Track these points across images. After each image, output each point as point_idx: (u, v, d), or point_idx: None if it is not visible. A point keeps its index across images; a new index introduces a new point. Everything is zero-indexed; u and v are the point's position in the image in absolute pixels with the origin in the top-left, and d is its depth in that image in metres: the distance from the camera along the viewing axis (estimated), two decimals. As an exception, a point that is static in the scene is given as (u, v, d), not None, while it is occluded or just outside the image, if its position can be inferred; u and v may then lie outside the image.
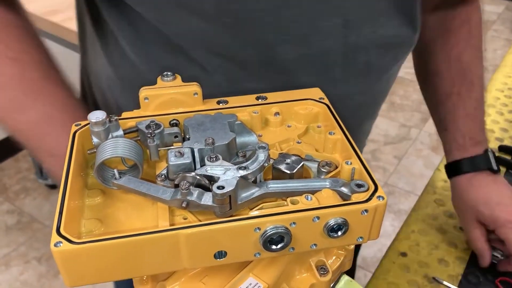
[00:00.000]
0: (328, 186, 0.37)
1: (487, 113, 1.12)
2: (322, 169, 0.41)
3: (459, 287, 0.76)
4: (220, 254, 0.35)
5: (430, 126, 2.35)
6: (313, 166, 0.42)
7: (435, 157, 2.15)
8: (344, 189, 0.37)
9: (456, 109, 0.78)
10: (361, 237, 0.37)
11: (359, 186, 0.37)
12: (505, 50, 2.86)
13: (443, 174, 0.97)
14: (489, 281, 0.76)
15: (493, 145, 1.02)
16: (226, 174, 0.37)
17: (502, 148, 1.00)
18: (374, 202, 0.35)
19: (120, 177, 0.38)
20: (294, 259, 0.41)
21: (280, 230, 0.34)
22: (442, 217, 0.89)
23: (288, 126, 0.46)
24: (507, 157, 0.98)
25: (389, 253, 0.82)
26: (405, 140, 2.27)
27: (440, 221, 0.88)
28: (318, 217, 0.34)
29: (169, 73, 0.45)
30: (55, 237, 0.33)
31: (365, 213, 0.35)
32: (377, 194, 0.36)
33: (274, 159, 0.41)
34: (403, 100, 2.52)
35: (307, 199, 0.36)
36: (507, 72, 1.27)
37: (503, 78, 1.25)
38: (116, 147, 0.39)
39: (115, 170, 0.38)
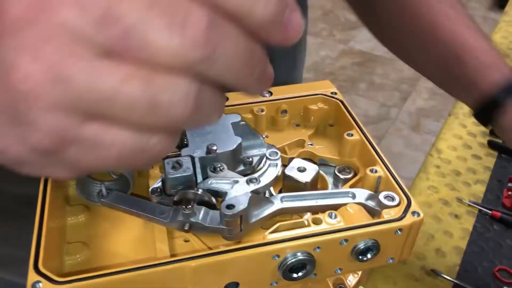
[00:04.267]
0: (351, 199, 0.32)
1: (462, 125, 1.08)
2: (340, 176, 0.36)
3: (457, 279, 0.74)
4: (231, 285, 0.30)
5: (410, 105, 2.33)
6: (329, 172, 0.37)
7: (415, 136, 2.14)
8: (372, 203, 0.32)
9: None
10: (391, 258, 0.32)
11: (389, 199, 0.32)
12: (482, 28, 2.86)
13: (435, 160, 0.94)
14: (487, 270, 0.74)
15: (484, 128, 1.00)
16: (234, 189, 0.31)
17: (493, 132, 0.98)
18: (409, 219, 0.30)
19: (108, 193, 0.32)
20: (310, 279, 0.36)
21: (302, 257, 0.29)
22: (437, 205, 0.85)
23: (297, 125, 0.41)
24: (499, 140, 0.96)
25: (385, 246, 0.78)
26: (385, 119, 2.24)
27: (435, 209, 0.85)
28: (346, 240, 0.29)
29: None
30: (32, 276, 0.27)
31: (399, 233, 0.30)
32: (411, 209, 0.31)
33: (285, 166, 0.36)
34: (383, 79, 2.49)
35: (331, 218, 0.31)
36: (494, 52, 1.24)
37: (491, 58, 1.22)
38: (101, 158, 0.32)
39: (102, 185, 0.32)
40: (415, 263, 0.76)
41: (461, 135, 0.99)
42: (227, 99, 0.33)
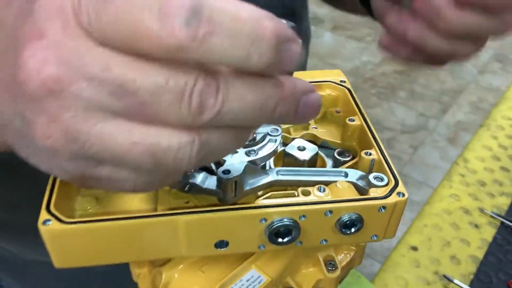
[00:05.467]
0: (343, 178, 0.34)
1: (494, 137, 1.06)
2: (339, 158, 0.38)
3: (470, 286, 0.73)
4: (222, 244, 0.32)
5: (449, 117, 2.29)
6: (329, 154, 0.39)
7: (451, 149, 2.10)
8: (362, 182, 0.34)
9: None
10: (375, 235, 0.33)
11: (378, 179, 0.33)
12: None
13: (460, 168, 0.93)
14: (502, 282, 0.73)
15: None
16: (233, 158, 0.34)
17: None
18: (394, 198, 0.32)
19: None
20: (300, 252, 0.38)
21: (288, 223, 0.31)
22: (457, 213, 0.85)
23: (304, 109, 0.43)
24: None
25: (399, 246, 0.79)
26: (422, 130, 2.21)
27: (454, 217, 0.85)
28: (331, 212, 0.31)
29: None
30: (44, 214, 0.30)
31: (383, 210, 0.32)
32: (397, 190, 0.32)
33: (287, 144, 0.38)
34: (424, 89, 2.45)
35: (320, 191, 0.33)
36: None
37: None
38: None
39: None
40: (429, 267, 0.76)
41: (491, 147, 0.98)
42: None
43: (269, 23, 0.21)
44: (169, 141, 0.22)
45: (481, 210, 0.85)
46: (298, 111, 0.24)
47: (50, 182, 0.33)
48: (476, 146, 0.98)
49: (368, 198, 0.32)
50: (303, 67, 0.68)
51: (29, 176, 0.36)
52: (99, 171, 0.24)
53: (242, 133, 0.24)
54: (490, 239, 0.80)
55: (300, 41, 0.24)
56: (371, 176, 0.34)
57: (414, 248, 0.79)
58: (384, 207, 0.32)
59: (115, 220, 0.30)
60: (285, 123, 0.27)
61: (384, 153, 0.35)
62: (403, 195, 0.32)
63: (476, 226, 0.82)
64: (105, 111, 0.21)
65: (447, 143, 2.13)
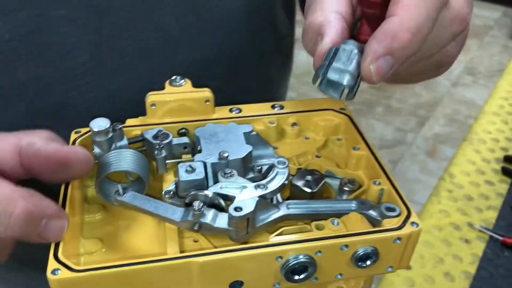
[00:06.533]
0: (354, 209, 0.34)
1: (491, 122, 1.09)
2: (345, 188, 0.38)
3: (465, 304, 0.74)
4: (236, 284, 0.31)
5: (427, 130, 2.33)
6: (334, 183, 0.39)
7: (431, 162, 2.13)
8: (373, 213, 0.33)
9: None
10: (390, 267, 0.33)
11: (390, 210, 0.33)
12: (502, 56, 2.85)
13: (447, 184, 0.94)
14: (495, 297, 0.74)
15: (499, 154, 1.00)
16: (243, 193, 0.33)
17: (507, 158, 0.98)
18: (408, 229, 0.32)
19: (124, 193, 0.34)
20: (312, 285, 0.37)
21: (304, 260, 0.30)
22: (447, 229, 0.86)
23: (306, 138, 0.43)
24: (512, 167, 0.96)
25: (393, 266, 0.79)
26: (401, 144, 2.24)
27: (445, 233, 0.85)
28: (346, 246, 0.31)
29: (178, 77, 0.41)
30: (52, 263, 0.29)
31: (398, 242, 0.31)
32: (410, 220, 0.32)
33: (292, 175, 0.38)
34: (400, 104, 2.49)
35: (334, 224, 0.32)
36: (510, 80, 1.25)
37: (508, 86, 1.23)
38: (120, 160, 0.35)
39: (119, 185, 0.34)
40: (423, 285, 0.77)
41: (474, 161, 0.99)
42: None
43: (21, 203, 0.29)
44: None
45: (470, 225, 0.86)
46: (39, 229, 0.30)
47: None
48: (460, 160, 1.00)
49: (383, 230, 0.32)
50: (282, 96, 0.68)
51: None
52: None
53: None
54: (480, 253, 0.81)
55: (65, 216, 0.32)
56: (382, 207, 0.33)
57: (408, 267, 0.79)
58: (399, 238, 0.31)
59: (126, 266, 0.29)
60: (29, 240, 0.31)
61: (393, 183, 0.35)
62: (417, 225, 0.32)
63: (467, 241, 0.83)
64: None
65: (426, 156, 2.17)
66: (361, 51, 0.31)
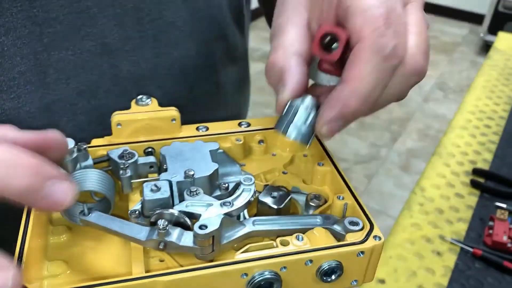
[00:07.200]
0: (319, 224, 0.34)
1: (460, 136, 1.12)
2: (311, 203, 0.38)
3: (438, 316, 0.74)
4: (201, 303, 0.31)
5: (400, 145, 2.37)
6: (301, 199, 0.39)
7: (405, 176, 2.17)
8: (337, 227, 0.34)
9: None
10: (355, 280, 0.34)
11: (353, 224, 0.34)
12: (470, 72, 2.94)
13: (418, 197, 0.96)
14: (468, 309, 0.75)
15: (467, 167, 1.02)
16: (209, 211, 0.33)
17: (476, 171, 1.00)
18: (371, 242, 0.32)
19: (89, 213, 0.34)
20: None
21: (269, 276, 0.31)
22: (419, 242, 0.87)
23: (273, 155, 0.43)
24: (481, 180, 0.98)
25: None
26: (375, 159, 2.27)
27: (417, 246, 0.86)
28: (311, 261, 0.31)
29: (144, 96, 0.41)
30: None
31: (361, 255, 0.32)
32: (373, 233, 0.33)
33: (259, 192, 0.38)
34: (373, 120, 2.54)
35: (298, 240, 0.33)
36: (477, 95, 1.29)
37: (475, 100, 1.26)
38: (85, 180, 0.35)
39: (84, 205, 0.34)
40: (397, 299, 0.77)
41: (444, 174, 1.01)
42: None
43: (29, 157, 0.28)
44: None
45: (442, 237, 0.87)
46: (45, 189, 0.28)
47: (17, 246, 0.31)
48: (430, 174, 1.02)
49: (346, 244, 0.32)
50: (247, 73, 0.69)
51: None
52: None
53: None
54: (452, 265, 0.82)
55: (73, 182, 0.30)
56: (346, 221, 0.34)
57: (382, 281, 0.80)
58: (362, 252, 0.32)
59: (91, 287, 0.29)
60: (34, 204, 0.29)
61: (356, 197, 0.36)
62: (380, 238, 0.32)
63: (439, 253, 0.84)
64: None
65: (400, 171, 2.20)
66: (318, 107, 0.35)
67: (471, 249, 0.82)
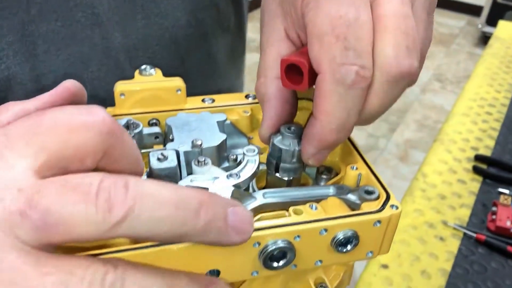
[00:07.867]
0: (332, 194, 0.33)
1: (461, 122, 1.11)
2: (321, 176, 0.37)
3: (442, 301, 0.74)
4: (212, 273, 0.30)
5: (398, 136, 2.36)
6: (311, 172, 0.38)
7: (403, 167, 2.16)
8: (352, 197, 0.33)
9: None
10: (371, 252, 0.32)
11: (369, 192, 0.32)
12: (468, 63, 2.93)
13: (420, 183, 0.95)
14: (472, 294, 0.74)
15: (469, 154, 1.02)
16: (215, 184, 0.32)
17: (477, 158, 0.99)
18: (388, 212, 0.31)
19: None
20: (290, 277, 0.36)
21: (282, 245, 0.29)
22: (422, 227, 0.86)
23: (281, 128, 0.42)
24: (483, 166, 0.97)
25: (370, 266, 0.78)
26: (373, 150, 2.27)
27: (420, 232, 0.85)
28: (326, 230, 0.30)
29: (148, 66, 0.40)
30: None
31: (378, 225, 0.31)
32: (390, 202, 0.31)
33: (264, 164, 0.37)
34: (371, 110, 2.53)
35: (312, 209, 0.31)
36: (478, 83, 1.28)
37: (476, 87, 1.25)
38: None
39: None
40: (401, 284, 0.76)
41: (446, 160, 1.01)
42: None
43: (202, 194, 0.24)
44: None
45: (445, 223, 0.86)
46: (229, 221, 0.24)
47: None
48: (432, 160, 1.01)
49: (363, 213, 0.31)
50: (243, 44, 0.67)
51: None
52: None
53: (173, 279, 0.24)
54: (455, 251, 0.81)
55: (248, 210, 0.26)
56: (361, 190, 0.33)
57: (385, 266, 0.79)
58: (379, 221, 0.31)
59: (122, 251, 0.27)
60: (221, 243, 0.25)
61: (371, 167, 0.34)
62: (397, 207, 0.31)
63: (442, 239, 0.83)
64: (16, 237, 0.21)
65: (398, 161, 2.19)
66: (300, 137, 0.34)
67: (474, 235, 0.82)
